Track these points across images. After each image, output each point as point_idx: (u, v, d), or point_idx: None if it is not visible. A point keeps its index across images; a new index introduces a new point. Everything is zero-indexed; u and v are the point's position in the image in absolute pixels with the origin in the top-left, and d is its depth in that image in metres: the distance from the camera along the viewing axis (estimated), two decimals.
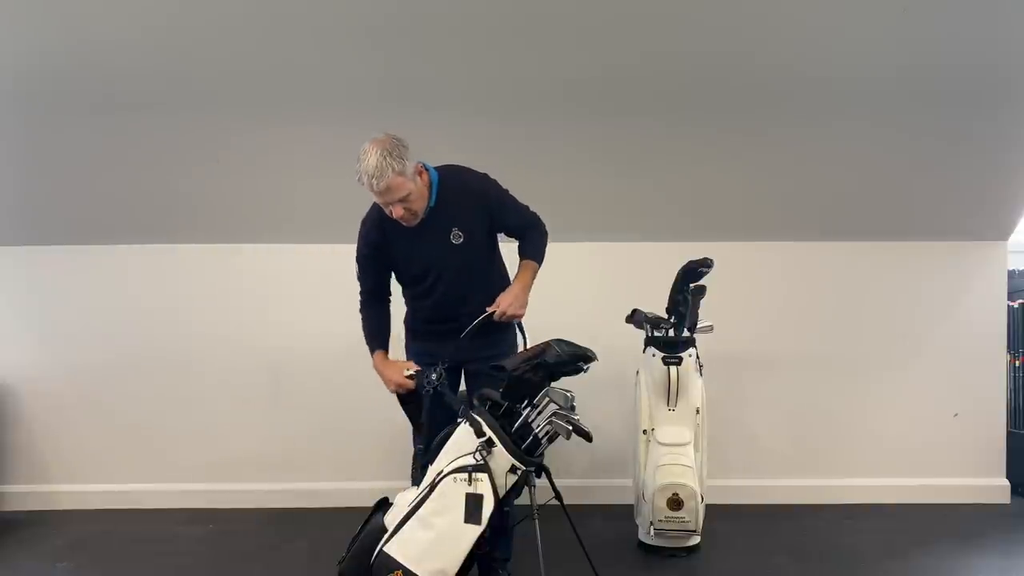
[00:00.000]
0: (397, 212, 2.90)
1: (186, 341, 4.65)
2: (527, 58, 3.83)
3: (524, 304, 3.05)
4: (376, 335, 3.15)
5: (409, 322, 3.27)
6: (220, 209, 4.47)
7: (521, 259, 3.14)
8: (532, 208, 3.22)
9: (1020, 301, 4.82)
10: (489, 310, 2.98)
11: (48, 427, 4.67)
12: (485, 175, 3.12)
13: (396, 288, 3.26)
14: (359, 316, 3.20)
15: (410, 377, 3.01)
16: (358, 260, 3.16)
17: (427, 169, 3.01)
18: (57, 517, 4.46)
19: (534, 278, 3.12)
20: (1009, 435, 4.63)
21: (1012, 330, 4.72)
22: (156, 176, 4.32)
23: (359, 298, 3.21)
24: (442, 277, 3.09)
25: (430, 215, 3.01)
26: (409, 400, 3.07)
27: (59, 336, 4.68)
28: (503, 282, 3.21)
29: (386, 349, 3.15)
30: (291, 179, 4.31)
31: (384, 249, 3.09)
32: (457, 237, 3.04)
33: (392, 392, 3.09)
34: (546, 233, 3.21)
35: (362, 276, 3.18)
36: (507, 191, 3.15)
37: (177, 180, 4.33)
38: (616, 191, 4.39)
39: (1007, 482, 4.59)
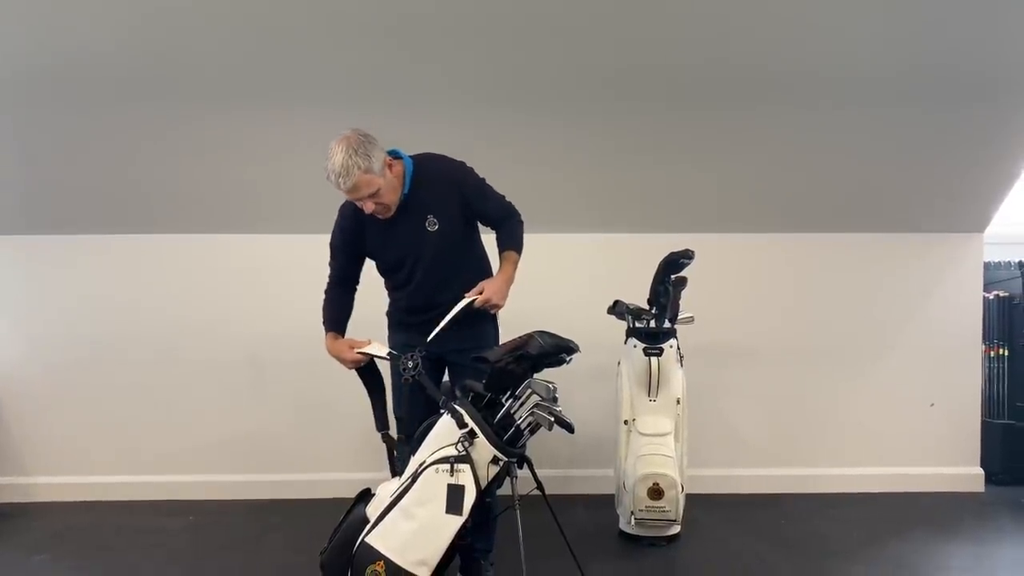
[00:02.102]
0: (368, 207, 2.90)
1: (164, 332, 4.61)
2: (516, 52, 3.82)
3: (505, 296, 3.04)
4: (332, 317, 3.15)
5: (391, 314, 3.27)
6: (198, 199, 4.43)
7: (501, 251, 3.14)
8: (512, 200, 3.21)
9: (996, 292, 4.88)
10: (469, 296, 2.96)
11: (24, 419, 4.63)
12: (462, 163, 3.11)
13: (368, 279, 3.25)
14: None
15: (387, 358, 3.00)
16: (331, 246, 3.16)
17: (400, 157, 3.00)
18: (35, 509, 4.44)
19: (515, 269, 3.11)
20: (984, 424, 4.70)
21: (988, 321, 4.78)
22: (134, 166, 4.28)
23: (327, 281, 3.20)
24: (418, 265, 3.08)
25: (404, 203, 3.00)
26: (365, 374, 3.08)
27: (35, 326, 4.64)
28: (484, 268, 3.21)
29: (339, 332, 3.13)
30: (272, 169, 4.28)
31: (358, 238, 3.09)
32: (432, 224, 3.02)
33: (350, 369, 3.08)
34: (522, 222, 3.20)
35: (333, 262, 3.18)
36: (483, 179, 3.13)
37: (155, 170, 4.29)
38: (598, 184, 4.40)
39: (981, 471, 4.66)
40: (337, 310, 3.16)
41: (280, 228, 4.52)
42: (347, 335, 3.14)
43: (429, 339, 2.97)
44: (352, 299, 3.21)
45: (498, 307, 3.04)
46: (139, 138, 4.16)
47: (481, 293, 2.97)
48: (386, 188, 2.90)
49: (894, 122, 4.14)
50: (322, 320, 3.15)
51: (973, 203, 4.51)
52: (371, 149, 2.82)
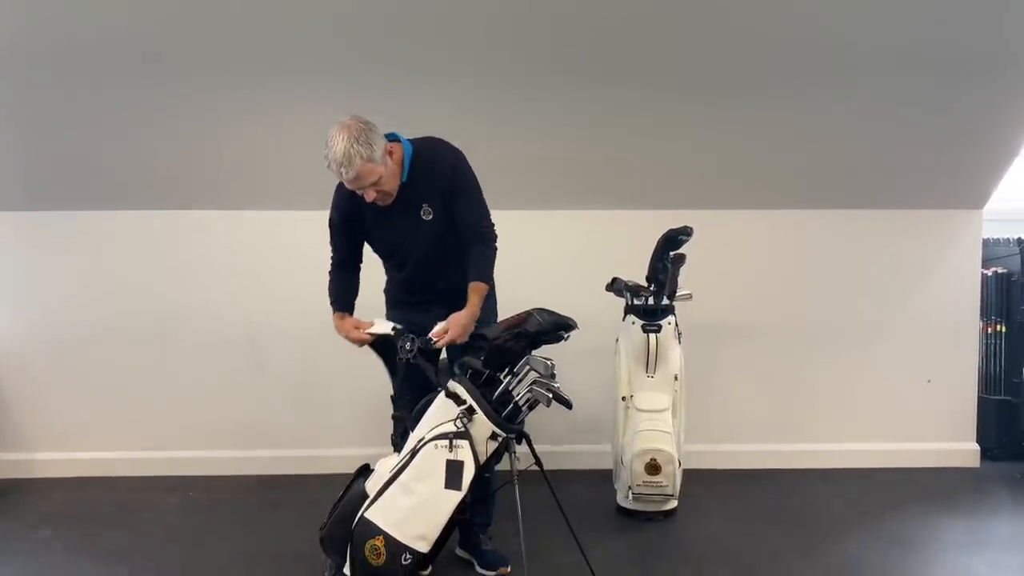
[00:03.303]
0: (370, 196, 2.86)
1: (163, 308, 4.61)
2: (508, 24, 3.77)
3: (468, 333, 2.95)
4: (339, 296, 3.10)
5: (388, 291, 3.26)
6: (197, 175, 4.41)
7: (469, 279, 2.97)
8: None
9: (994, 269, 4.89)
10: (432, 335, 2.92)
11: (25, 395, 4.64)
12: (459, 152, 3.01)
13: (370, 257, 3.24)
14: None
15: (391, 334, 2.99)
16: (330, 226, 3.12)
17: (399, 140, 2.94)
18: (35, 485, 4.46)
19: (482, 301, 2.98)
20: (980, 400, 4.73)
21: (986, 298, 4.79)
22: (131, 141, 4.25)
23: (330, 262, 3.16)
24: (412, 252, 3.06)
25: (401, 190, 2.94)
26: (380, 350, 3.06)
27: (34, 304, 4.63)
28: None
29: (346, 311, 3.08)
30: (270, 145, 4.25)
31: (356, 219, 3.05)
32: (427, 213, 2.98)
33: (359, 347, 3.04)
34: (495, 248, 3.05)
35: (333, 243, 3.14)
36: (476, 181, 3.02)
37: (153, 145, 4.27)
38: (597, 159, 4.37)
39: (977, 446, 4.69)
40: (343, 289, 3.12)
41: (280, 205, 4.51)
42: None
43: (426, 324, 2.97)
44: (357, 279, 3.17)
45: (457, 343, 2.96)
46: (136, 114, 4.13)
47: (446, 332, 2.91)
48: (387, 176, 2.85)
49: (893, 98, 4.12)
50: (329, 300, 3.11)
51: (972, 179, 4.50)
52: (372, 137, 2.77)
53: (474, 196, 3.02)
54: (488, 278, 3.02)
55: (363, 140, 2.74)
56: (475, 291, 2.96)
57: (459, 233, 3.01)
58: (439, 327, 2.93)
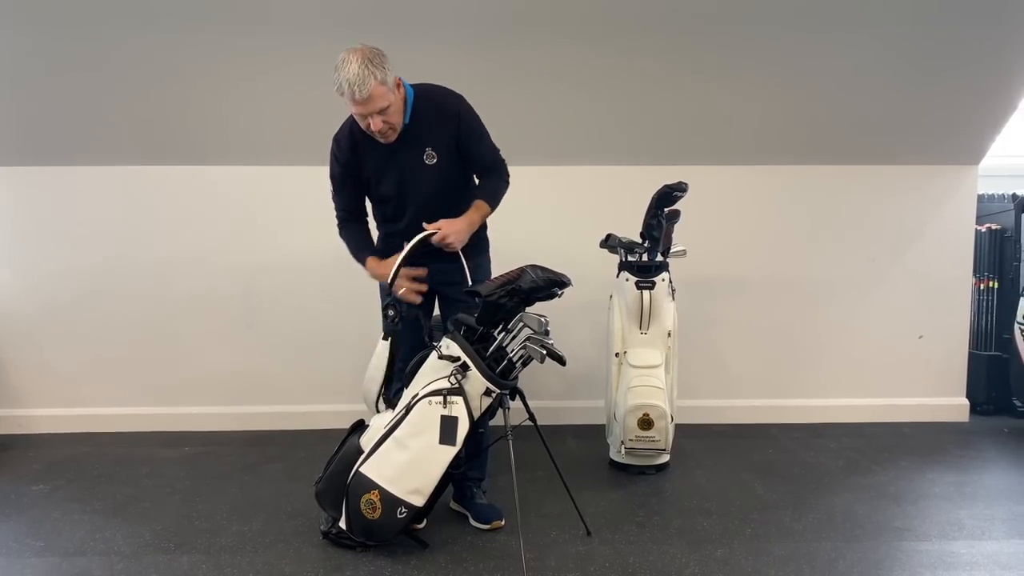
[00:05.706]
0: (376, 125, 2.81)
1: (158, 264, 4.60)
2: None
3: (463, 240, 2.94)
4: (362, 245, 3.10)
5: (382, 248, 3.23)
6: (192, 130, 4.37)
7: (476, 197, 3.02)
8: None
9: (988, 225, 4.89)
10: (428, 229, 2.88)
11: (19, 351, 4.64)
12: (461, 97, 3.00)
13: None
14: (338, 239, 3.14)
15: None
16: (332, 179, 3.07)
17: (403, 84, 2.92)
18: (31, 441, 4.48)
19: (482, 219, 3.02)
20: (970, 356, 4.76)
21: (979, 254, 4.80)
22: (125, 95, 4.20)
23: (336, 221, 3.13)
24: (413, 198, 3.03)
25: (404, 133, 2.92)
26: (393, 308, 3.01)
27: (28, 260, 4.61)
28: None
29: (376, 255, 3.06)
30: (265, 100, 4.20)
31: (357, 167, 3.01)
32: (430, 158, 2.96)
33: (388, 286, 2.94)
34: (507, 182, 3.10)
35: (337, 196, 3.10)
36: (481, 122, 3.03)
37: (147, 99, 4.22)
38: (590, 115, 4.34)
39: (966, 401, 4.74)
40: (362, 239, 3.12)
41: (273, 160, 4.47)
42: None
43: (389, 281, 2.93)
44: (368, 229, 3.16)
45: (452, 247, 2.92)
46: (131, 69, 4.08)
47: (440, 229, 2.89)
48: (395, 108, 2.82)
49: (889, 52, 4.09)
50: (353, 254, 3.08)
51: (969, 135, 4.48)
52: (385, 63, 2.75)
53: (485, 136, 3.05)
54: (494, 204, 3.05)
55: (377, 63, 2.71)
56: (478, 207, 2.99)
57: (474, 172, 3.06)
58: (434, 224, 2.90)
